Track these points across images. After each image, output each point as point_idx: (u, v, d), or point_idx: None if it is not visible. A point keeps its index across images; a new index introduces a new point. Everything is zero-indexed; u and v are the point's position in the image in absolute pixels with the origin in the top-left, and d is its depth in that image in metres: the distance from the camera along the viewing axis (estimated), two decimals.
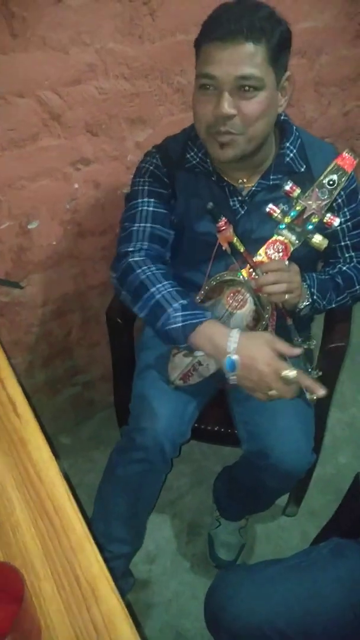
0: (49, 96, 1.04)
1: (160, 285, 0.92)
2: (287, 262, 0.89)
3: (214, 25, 0.82)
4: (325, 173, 0.84)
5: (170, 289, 0.92)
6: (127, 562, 1.19)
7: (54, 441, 1.60)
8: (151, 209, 1.00)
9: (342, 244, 1.07)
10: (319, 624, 0.75)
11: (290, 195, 0.86)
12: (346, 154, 0.84)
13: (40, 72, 1.01)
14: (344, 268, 1.06)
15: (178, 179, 1.01)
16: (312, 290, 0.98)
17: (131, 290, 0.95)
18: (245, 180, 0.97)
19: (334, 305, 1.04)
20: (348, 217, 1.03)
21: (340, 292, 1.04)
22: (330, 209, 0.86)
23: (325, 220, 0.86)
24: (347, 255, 1.07)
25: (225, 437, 1.19)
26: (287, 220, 0.87)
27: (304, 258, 0.98)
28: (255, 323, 0.95)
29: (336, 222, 0.86)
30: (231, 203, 0.99)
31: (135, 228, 1.00)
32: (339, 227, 1.03)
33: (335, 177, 0.84)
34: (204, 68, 0.83)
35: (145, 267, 0.95)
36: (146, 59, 1.12)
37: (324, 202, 0.85)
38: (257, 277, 0.89)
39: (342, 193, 1.00)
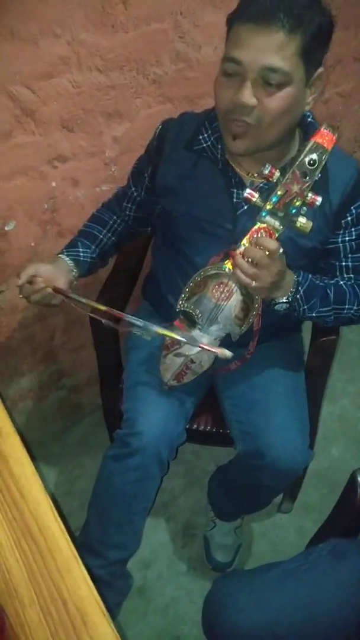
0: (20, 91, 0.99)
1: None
2: (281, 250, 0.83)
3: (251, 2, 0.76)
4: (304, 152, 0.78)
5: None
6: (124, 565, 1.17)
7: (42, 449, 1.56)
8: (134, 195, 1.10)
9: (343, 264, 1.00)
10: (321, 630, 0.72)
11: (270, 179, 0.80)
12: (325, 130, 0.76)
13: (10, 65, 0.96)
14: (341, 282, 1.00)
15: (176, 156, 0.97)
16: (299, 288, 0.92)
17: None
18: (256, 174, 0.92)
19: (314, 315, 0.96)
20: (353, 236, 0.97)
21: (326, 304, 0.96)
22: (316, 190, 0.80)
23: (307, 201, 0.80)
24: (346, 276, 1.01)
25: (218, 437, 1.16)
26: (268, 206, 0.81)
27: (297, 254, 0.94)
28: (245, 313, 0.92)
29: (318, 200, 0.80)
30: (234, 196, 0.94)
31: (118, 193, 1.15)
32: (341, 244, 0.97)
33: (315, 155, 0.77)
34: (231, 51, 0.78)
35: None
36: (120, 49, 1.08)
37: (306, 184, 0.79)
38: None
39: (353, 211, 0.94)
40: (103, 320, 0.93)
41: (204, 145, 0.95)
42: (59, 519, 0.62)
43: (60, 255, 1.05)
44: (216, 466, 1.32)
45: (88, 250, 1.08)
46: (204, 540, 1.36)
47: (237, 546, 1.34)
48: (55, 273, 0.98)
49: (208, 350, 0.89)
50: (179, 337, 0.89)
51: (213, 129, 0.94)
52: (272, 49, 0.75)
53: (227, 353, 0.86)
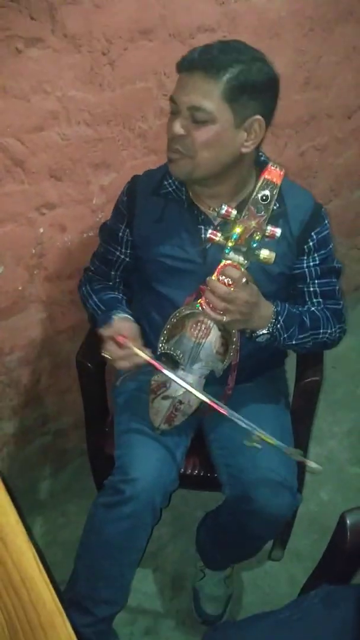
0: (11, 143, 1.03)
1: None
2: (244, 279, 0.87)
3: (185, 58, 0.89)
4: (256, 189, 0.85)
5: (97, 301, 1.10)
6: (110, 623, 1.11)
7: (25, 496, 1.51)
8: (103, 251, 1.13)
9: (311, 289, 1.05)
10: None
11: (228, 217, 0.86)
12: (272, 167, 0.85)
13: (2, 119, 1.00)
14: (313, 309, 1.05)
15: (147, 204, 1.03)
16: (279, 318, 0.96)
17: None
18: (216, 210, 0.97)
19: (293, 342, 1.00)
20: (317, 261, 1.03)
21: (304, 330, 1.00)
22: (270, 221, 0.86)
23: (267, 234, 0.86)
24: (314, 300, 1.06)
25: (206, 481, 1.15)
26: (230, 243, 0.86)
27: (266, 281, 0.98)
28: (225, 348, 0.94)
29: (278, 232, 0.86)
30: (202, 232, 1.00)
31: (93, 265, 1.17)
32: (306, 269, 1.03)
33: (267, 192, 0.84)
34: (172, 94, 0.91)
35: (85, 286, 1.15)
36: (107, 105, 1.14)
37: (263, 218, 0.85)
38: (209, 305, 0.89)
39: (314, 237, 1.01)
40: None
41: (170, 189, 1.02)
42: (43, 570, 0.60)
43: (124, 315, 1.04)
44: (204, 512, 1.29)
45: (125, 307, 1.09)
46: (193, 591, 1.30)
47: (228, 597, 1.29)
48: (136, 331, 1.00)
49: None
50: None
51: None
52: (197, 91, 0.87)
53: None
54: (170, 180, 1.02)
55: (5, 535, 0.63)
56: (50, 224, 1.18)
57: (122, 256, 1.11)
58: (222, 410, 0.91)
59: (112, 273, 1.14)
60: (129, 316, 1.04)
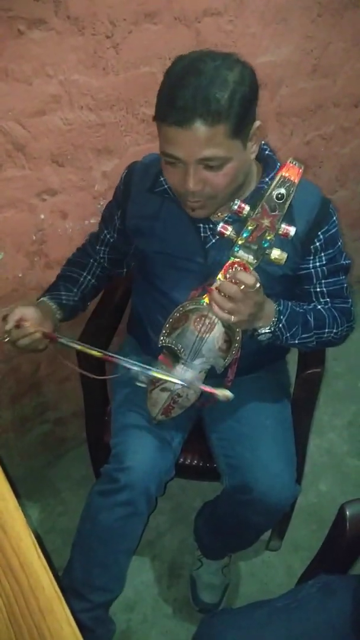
0: (12, 127, 1.02)
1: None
2: (258, 284, 0.83)
3: (168, 109, 0.77)
4: (272, 186, 0.79)
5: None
6: (107, 609, 1.12)
7: (24, 484, 1.51)
8: (107, 238, 1.12)
9: (318, 289, 1.01)
10: None
11: (240, 214, 0.81)
12: (291, 163, 0.78)
13: (4, 103, 0.99)
14: (319, 307, 1.01)
15: (142, 199, 1.00)
16: (281, 317, 0.93)
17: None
18: (219, 214, 0.95)
19: (296, 342, 0.96)
20: (324, 261, 0.98)
21: (307, 330, 0.97)
22: (284, 219, 0.81)
23: (280, 233, 0.81)
24: (322, 300, 1.02)
25: (205, 471, 1.15)
26: (240, 240, 0.82)
27: (268, 282, 0.94)
28: (228, 345, 0.92)
29: (292, 230, 0.81)
30: (202, 231, 0.97)
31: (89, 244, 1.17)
32: (312, 270, 0.99)
33: (282, 190, 0.78)
34: (166, 148, 0.81)
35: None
36: (111, 90, 1.12)
37: (277, 217, 0.80)
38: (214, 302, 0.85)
39: (320, 237, 0.96)
40: (90, 375, 0.93)
41: (166, 186, 0.97)
42: (42, 555, 0.59)
43: (43, 299, 1.05)
44: (203, 502, 1.30)
45: (70, 294, 1.08)
46: (191, 580, 1.31)
47: (225, 586, 1.30)
48: (41, 317, 0.96)
49: (210, 392, 0.88)
50: (176, 381, 0.89)
51: None
52: (201, 143, 0.78)
53: (228, 394, 0.85)
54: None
55: (5, 521, 0.63)
56: (51, 210, 1.17)
57: (108, 236, 1.11)
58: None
59: (97, 247, 1.14)
60: (52, 302, 1.03)
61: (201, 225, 0.96)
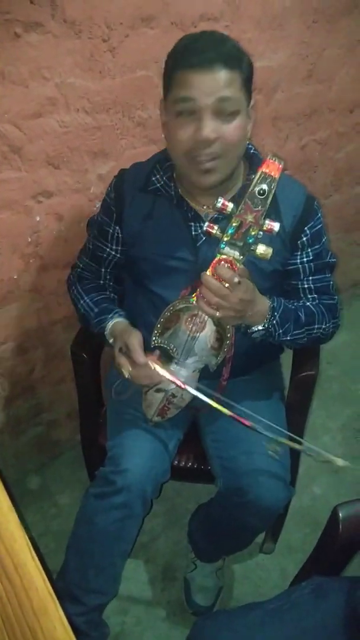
0: (8, 129, 1.02)
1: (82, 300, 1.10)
2: (236, 279, 0.85)
3: (190, 53, 0.83)
4: (254, 183, 0.81)
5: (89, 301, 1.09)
6: (101, 613, 1.12)
7: (18, 486, 1.51)
8: (92, 247, 1.09)
9: (305, 285, 1.04)
10: None
11: (224, 211, 0.83)
12: (270, 159, 0.79)
13: (0, 105, 0.99)
14: (308, 304, 1.04)
15: (136, 201, 1.00)
16: (275, 314, 0.94)
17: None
18: (211, 207, 0.95)
19: (288, 338, 0.98)
20: (311, 257, 1.01)
21: (299, 326, 0.99)
22: (267, 216, 0.83)
23: (265, 229, 0.82)
24: (309, 296, 1.05)
25: (199, 474, 1.15)
26: (225, 237, 0.83)
27: (259, 278, 0.96)
28: (220, 343, 0.93)
29: (276, 226, 0.82)
30: (192, 229, 0.98)
31: (82, 262, 1.13)
32: (300, 266, 1.01)
33: (264, 185, 0.80)
34: (182, 92, 0.84)
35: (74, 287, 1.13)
36: (107, 93, 1.12)
37: (260, 213, 0.81)
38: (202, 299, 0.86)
39: (307, 232, 0.98)
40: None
41: (158, 185, 0.99)
42: (35, 556, 0.60)
43: (124, 319, 1.03)
44: (197, 505, 1.30)
45: (118, 308, 1.07)
46: (185, 582, 1.31)
47: (219, 589, 1.30)
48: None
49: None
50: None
51: (164, 170, 0.99)
52: (221, 84, 0.83)
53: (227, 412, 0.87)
54: (158, 176, 0.99)
55: None
56: (46, 212, 1.17)
57: (113, 252, 1.07)
58: (226, 412, 0.89)
59: (103, 270, 1.10)
60: (126, 319, 1.02)
61: (192, 223, 0.98)
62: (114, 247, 1.07)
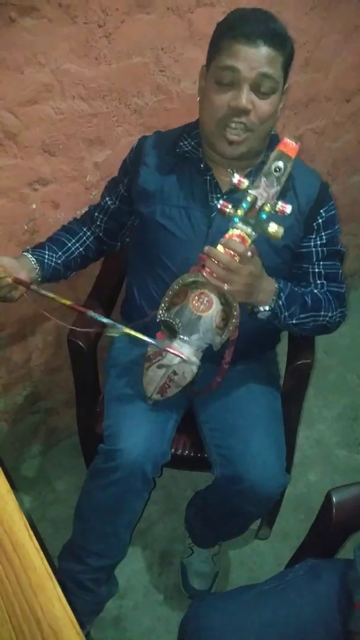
0: (4, 115, 1.02)
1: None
2: (249, 253, 0.86)
3: (241, 23, 0.87)
4: (270, 160, 0.84)
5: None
6: (109, 572, 1.14)
7: (15, 473, 1.52)
8: (108, 204, 1.13)
9: (316, 270, 1.05)
10: None
11: (239, 187, 0.85)
12: (288, 140, 0.84)
13: None
14: (315, 290, 1.04)
15: (159, 160, 1.03)
16: (281, 294, 0.95)
17: None
18: (233, 171, 0.96)
19: (294, 322, 0.99)
20: (324, 241, 1.03)
21: (305, 311, 0.99)
22: (284, 195, 0.86)
23: (277, 209, 0.85)
24: (318, 282, 1.06)
25: (196, 462, 1.15)
26: (240, 212, 0.86)
27: (270, 253, 0.98)
28: (225, 323, 0.93)
29: (288, 208, 0.85)
30: (210, 198, 0.99)
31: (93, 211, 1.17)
32: (314, 249, 1.03)
33: (280, 163, 0.83)
34: (227, 61, 0.87)
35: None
36: (103, 80, 1.12)
37: (274, 190, 0.84)
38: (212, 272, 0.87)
39: (323, 214, 1.01)
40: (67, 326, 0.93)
41: (186, 149, 1.01)
42: (33, 536, 0.60)
43: (24, 253, 1.05)
44: (194, 492, 1.31)
45: (54, 255, 1.08)
46: (181, 567, 1.33)
47: (215, 574, 1.32)
48: (17, 267, 0.97)
49: (175, 354, 0.91)
50: (145, 338, 0.91)
51: (192, 137, 1.02)
52: (265, 61, 0.87)
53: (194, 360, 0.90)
54: (186, 141, 1.01)
55: None
56: (42, 200, 1.17)
57: (109, 202, 1.12)
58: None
59: (95, 215, 1.15)
60: (33, 258, 1.03)
61: (212, 194, 1.00)
62: (113, 199, 1.12)
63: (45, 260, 1.06)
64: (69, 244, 1.12)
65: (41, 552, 0.58)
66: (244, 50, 0.86)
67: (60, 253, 1.09)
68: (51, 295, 0.92)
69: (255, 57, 0.86)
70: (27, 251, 1.06)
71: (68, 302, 0.91)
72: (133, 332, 0.91)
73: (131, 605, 1.28)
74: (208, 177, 0.99)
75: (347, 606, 0.74)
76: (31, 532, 0.60)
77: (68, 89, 1.08)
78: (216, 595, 1.10)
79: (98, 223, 1.15)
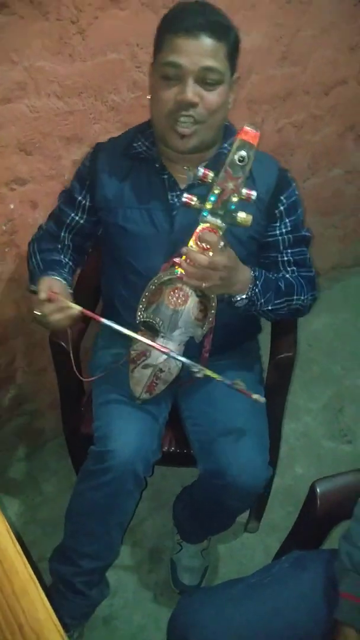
0: None
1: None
2: (221, 244, 0.87)
3: (181, 18, 0.87)
4: (233, 150, 0.84)
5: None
6: (100, 575, 1.14)
7: (1, 476, 1.51)
8: (58, 212, 1.10)
9: (285, 258, 1.06)
10: None
11: (205, 179, 0.85)
12: (247, 128, 0.84)
13: None
14: (287, 275, 1.06)
15: (114, 166, 1.02)
16: (257, 282, 0.95)
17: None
18: (190, 168, 0.96)
19: (269, 308, 1.00)
20: (289, 228, 1.03)
21: (279, 296, 1.01)
22: (246, 185, 0.86)
23: (244, 196, 0.85)
24: (289, 269, 1.07)
25: (182, 458, 1.16)
26: (208, 205, 0.86)
27: (235, 246, 0.97)
28: (204, 314, 0.94)
29: (253, 194, 0.86)
30: (169, 197, 0.99)
31: (47, 224, 1.13)
32: (280, 237, 1.04)
33: (243, 152, 0.83)
34: (169, 57, 0.87)
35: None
36: (78, 77, 1.11)
37: (239, 180, 0.84)
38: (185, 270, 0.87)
39: (283, 201, 1.01)
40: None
41: (140, 150, 1.00)
42: (16, 541, 0.60)
43: (53, 277, 1.00)
44: (182, 488, 1.31)
45: (64, 273, 1.05)
46: (171, 563, 1.33)
47: (204, 568, 1.32)
48: (68, 293, 0.96)
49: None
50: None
51: (146, 137, 1.01)
52: (207, 53, 0.86)
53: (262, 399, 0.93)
54: (140, 142, 1.01)
55: None
56: (20, 200, 1.16)
57: (77, 218, 1.08)
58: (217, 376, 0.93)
59: (62, 235, 1.10)
60: (61, 279, 1.01)
61: (169, 192, 0.99)
62: (79, 214, 1.08)
63: (65, 276, 1.04)
64: (63, 261, 1.10)
65: (24, 557, 0.58)
66: (185, 44, 0.85)
67: (63, 270, 1.07)
68: (117, 327, 0.90)
69: (196, 50, 0.85)
70: (48, 275, 1.00)
71: (146, 341, 0.91)
72: (139, 337, 0.91)
73: (121, 604, 1.28)
74: (165, 176, 0.99)
75: (332, 596, 0.75)
76: (13, 537, 0.60)
77: (43, 86, 1.07)
78: (203, 591, 1.11)
79: (66, 242, 1.11)
